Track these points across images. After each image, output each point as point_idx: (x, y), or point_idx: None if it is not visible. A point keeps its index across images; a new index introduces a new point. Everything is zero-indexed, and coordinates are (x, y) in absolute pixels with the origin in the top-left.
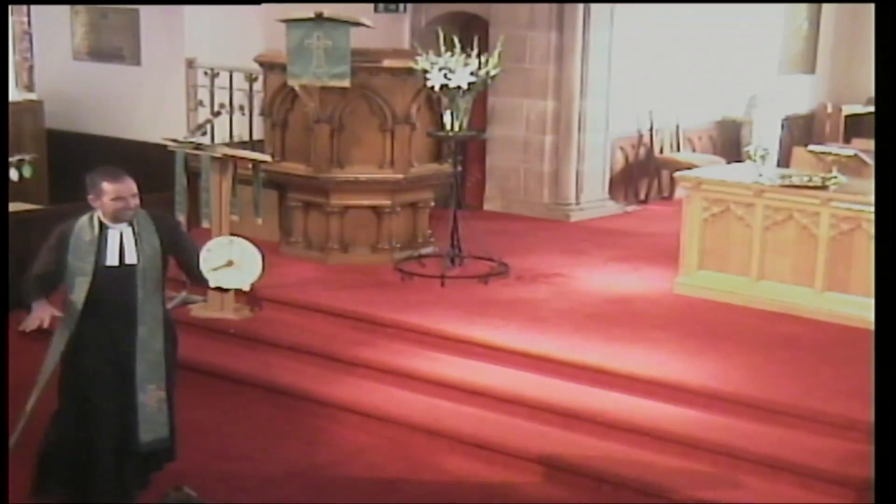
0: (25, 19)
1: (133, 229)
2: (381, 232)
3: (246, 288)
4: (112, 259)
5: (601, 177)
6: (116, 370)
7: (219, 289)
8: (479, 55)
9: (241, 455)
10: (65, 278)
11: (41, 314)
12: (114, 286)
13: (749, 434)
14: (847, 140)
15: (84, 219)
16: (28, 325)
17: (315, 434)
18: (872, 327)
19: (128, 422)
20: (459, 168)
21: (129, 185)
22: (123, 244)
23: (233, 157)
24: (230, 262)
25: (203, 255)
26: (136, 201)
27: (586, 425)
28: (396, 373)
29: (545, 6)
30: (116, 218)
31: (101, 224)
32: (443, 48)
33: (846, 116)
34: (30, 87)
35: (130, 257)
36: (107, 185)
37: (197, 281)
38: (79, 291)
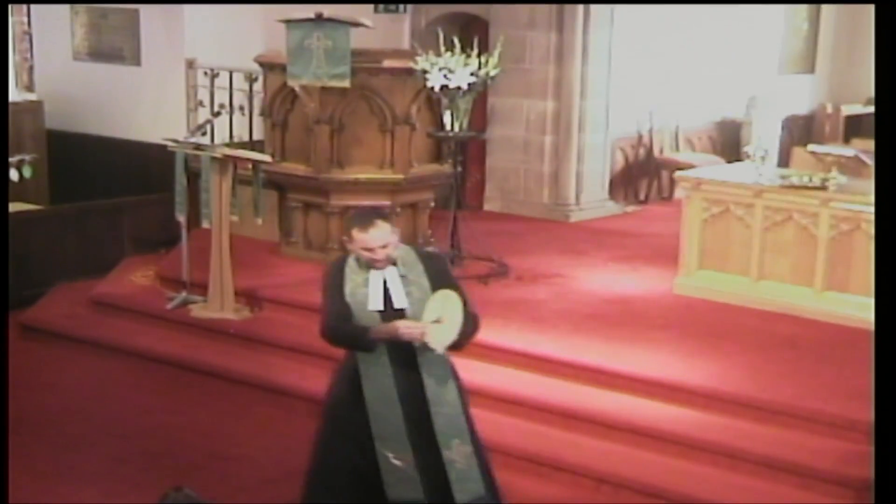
0: (25, 19)
1: (398, 270)
2: None
3: (440, 350)
4: (375, 304)
5: (601, 177)
6: (415, 428)
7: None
8: (478, 55)
9: (241, 455)
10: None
11: (408, 325)
12: None
13: (748, 434)
14: (847, 140)
15: (351, 258)
16: (415, 333)
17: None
18: (872, 327)
19: (439, 484)
20: (459, 168)
21: (377, 236)
22: (388, 287)
23: (233, 157)
24: (438, 319)
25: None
26: (386, 252)
27: (586, 425)
28: None
29: (545, 6)
30: (369, 266)
31: (367, 265)
32: (443, 48)
33: (846, 116)
34: (30, 88)
35: (399, 301)
36: (355, 233)
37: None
38: None
